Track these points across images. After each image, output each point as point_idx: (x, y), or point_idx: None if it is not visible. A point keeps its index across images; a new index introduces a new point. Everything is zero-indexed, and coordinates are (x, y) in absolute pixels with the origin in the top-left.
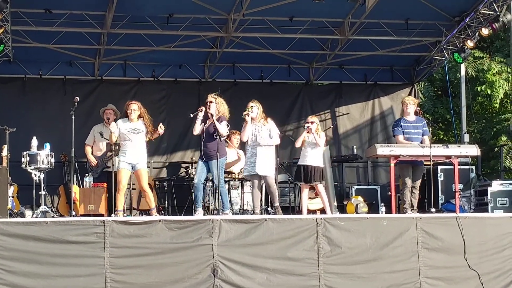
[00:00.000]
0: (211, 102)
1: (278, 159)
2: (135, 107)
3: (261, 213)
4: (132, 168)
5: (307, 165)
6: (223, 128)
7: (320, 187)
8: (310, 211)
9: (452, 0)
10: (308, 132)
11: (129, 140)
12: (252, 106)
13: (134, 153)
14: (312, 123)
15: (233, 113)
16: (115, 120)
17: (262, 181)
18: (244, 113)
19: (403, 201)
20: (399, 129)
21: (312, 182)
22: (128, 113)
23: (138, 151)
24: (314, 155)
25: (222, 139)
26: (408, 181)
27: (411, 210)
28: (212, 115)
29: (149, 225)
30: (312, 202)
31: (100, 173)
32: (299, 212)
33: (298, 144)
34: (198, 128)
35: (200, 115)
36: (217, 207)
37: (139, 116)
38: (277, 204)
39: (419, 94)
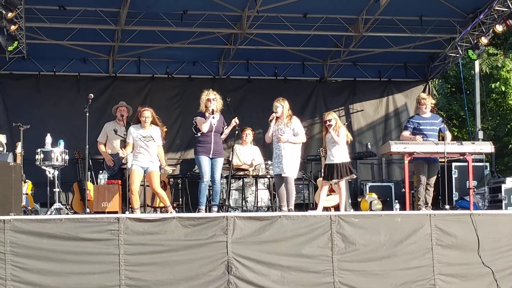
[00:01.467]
0: (214, 99)
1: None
2: (148, 115)
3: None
4: (144, 172)
5: (333, 164)
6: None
7: (343, 183)
8: (325, 208)
9: None
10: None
11: (141, 146)
12: (277, 106)
13: (146, 158)
14: (329, 121)
15: (247, 110)
16: (127, 117)
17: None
18: (270, 118)
19: (418, 198)
20: (410, 126)
21: (342, 178)
22: (141, 121)
23: (149, 156)
24: (337, 151)
25: (222, 137)
26: (423, 178)
27: (425, 207)
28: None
29: (163, 222)
30: (327, 199)
31: (117, 171)
32: (313, 209)
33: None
34: (207, 127)
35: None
36: (230, 204)
37: (152, 122)
38: (291, 207)
39: (433, 91)
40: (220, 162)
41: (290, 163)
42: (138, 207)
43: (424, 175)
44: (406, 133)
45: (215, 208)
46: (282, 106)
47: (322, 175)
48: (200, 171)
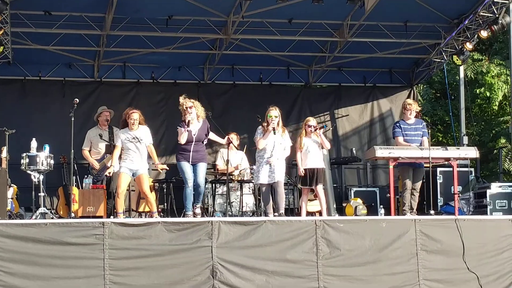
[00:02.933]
0: (190, 107)
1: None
2: (136, 117)
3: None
4: (133, 175)
5: (311, 168)
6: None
7: (320, 188)
8: (309, 213)
9: (451, 2)
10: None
11: (130, 148)
12: (276, 116)
13: (134, 160)
14: (309, 126)
15: (232, 115)
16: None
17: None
18: (271, 127)
19: (403, 203)
20: (399, 130)
21: (316, 185)
22: (129, 123)
23: (138, 158)
24: (315, 157)
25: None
26: (408, 183)
27: (411, 212)
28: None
29: (148, 227)
30: (311, 204)
31: (103, 176)
32: (298, 214)
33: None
34: (185, 138)
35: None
36: (215, 209)
37: (139, 124)
38: (282, 211)
39: (418, 96)
40: (202, 166)
41: (282, 170)
42: (122, 212)
43: (410, 180)
44: (401, 140)
45: (198, 210)
46: (279, 116)
47: (301, 180)
48: (183, 177)
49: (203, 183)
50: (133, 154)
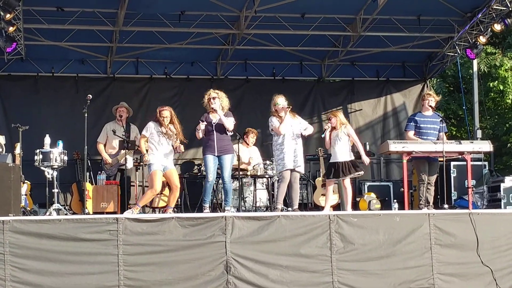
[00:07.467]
0: (214, 98)
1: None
2: (166, 114)
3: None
4: (163, 169)
5: (340, 162)
6: (230, 123)
7: (347, 183)
8: (323, 208)
9: None
10: (329, 129)
11: (160, 143)
12: (281, 103)
13: (164, 155)
14: (330, 118)
15: (245, 110)
16: (127, 118)
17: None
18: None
19: (418, 197)
20: (412, 124)
21: (349, 175)
22: (160, 120)
23: (167, 154)
24: (342, 149)
25: (229, 133)
26: (424, 177)
27: (427, 206)
28: (215, 110)
29: (162, 223)
30: (323, 199)
31: (115, 171)
32: (312, 209)
33: (327, 145)
34: (200, 133)
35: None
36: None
37: (170, 122)
38: (296, 207)
39: (431, 90)
40: (227, 159)
41: (302, 157)
42: (141, 206)
43: (425, 173)
44: (411, 134)
45: (228, 208)
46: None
47: (326, 174)
48: (205, 170)
49: (229, 179)
50: (162, 148)
